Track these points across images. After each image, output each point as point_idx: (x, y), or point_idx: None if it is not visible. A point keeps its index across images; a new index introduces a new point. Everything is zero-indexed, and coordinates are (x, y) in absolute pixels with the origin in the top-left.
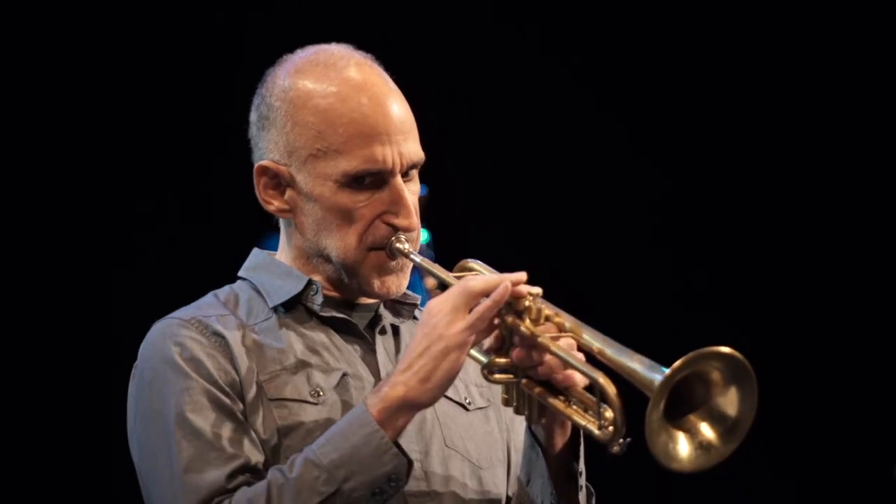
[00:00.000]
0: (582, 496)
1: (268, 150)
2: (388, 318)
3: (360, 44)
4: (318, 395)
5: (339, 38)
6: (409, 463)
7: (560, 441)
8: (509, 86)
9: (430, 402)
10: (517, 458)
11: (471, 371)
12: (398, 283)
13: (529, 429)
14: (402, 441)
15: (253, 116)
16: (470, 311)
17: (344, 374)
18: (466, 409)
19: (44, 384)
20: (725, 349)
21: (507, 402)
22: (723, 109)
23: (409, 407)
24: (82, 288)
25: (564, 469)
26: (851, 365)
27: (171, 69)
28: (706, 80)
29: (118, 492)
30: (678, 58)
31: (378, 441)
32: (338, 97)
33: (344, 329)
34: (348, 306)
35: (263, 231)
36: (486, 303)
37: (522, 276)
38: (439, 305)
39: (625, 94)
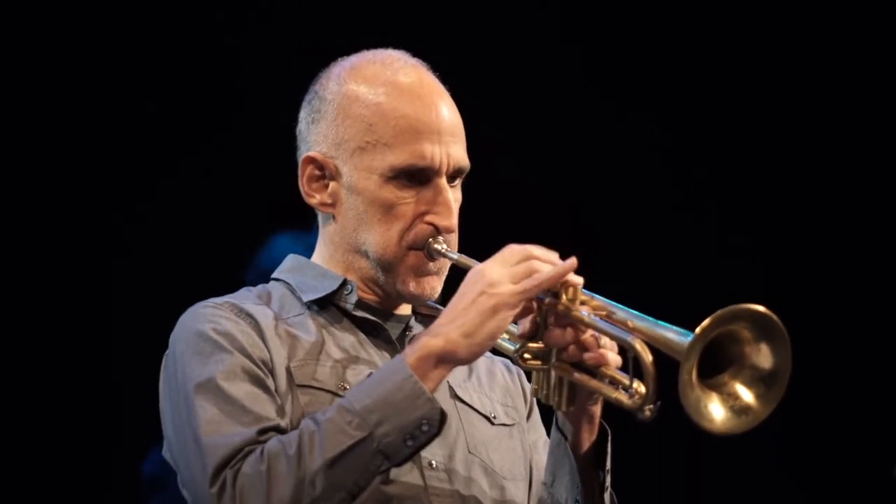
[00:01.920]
0: (607, 497)
1: (315, 142)
2: (417, 329)
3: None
4: (345, 389)
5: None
6: (443, 413)
7: (587, 439)
8: (520, 71)
9: (468, 359)
10: (538, 476)
11: (497, 390)
12: (433, 286)
13: (557, 426)
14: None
15: (303, 112)
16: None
17: (371, 374)
18: (491, 423)
19: (39, 382)
20: (750, 305)
21: (535, 392)
22: (748, 91)
23: (447, 360)
24: (78, 286)
25: (590, 469)
26: (851, 365)
27: (172, 66)
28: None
29: (117, 490)
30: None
31: (412, 386)
32: (392, 93)
33: (374, 333)
34: (381, 315)
35: (266, 233)
36: (547, 272)
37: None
38: (492, 266)
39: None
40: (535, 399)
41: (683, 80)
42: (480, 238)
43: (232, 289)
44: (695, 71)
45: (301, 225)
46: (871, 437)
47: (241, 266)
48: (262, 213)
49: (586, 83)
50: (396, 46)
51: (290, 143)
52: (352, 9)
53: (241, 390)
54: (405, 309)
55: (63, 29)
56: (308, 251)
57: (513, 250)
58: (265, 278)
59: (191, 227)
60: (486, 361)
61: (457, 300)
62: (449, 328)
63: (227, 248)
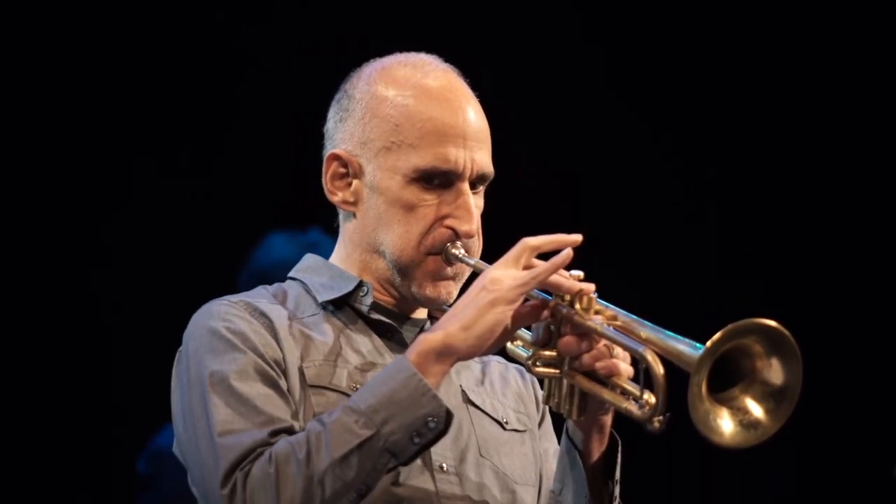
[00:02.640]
0: None
1: (342, 140)
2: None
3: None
4: (356, 391)
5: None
6: (449, 410)
7: (597, 449)
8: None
9: (467, 352)
10: (548, 485)
11: (510, 396)
12: (449, 290)
13: (567, 434)
14: (437, 448)
15: (331, 111)
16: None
17: None
18: (503, 428)
19: (32, 383)
20: (762, 320)
21: (547, 400)
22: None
23: (446, 353)
24: (71, 286)
25: (599, 479)
26: (851, 365)
27: (171, 67)
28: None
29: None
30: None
31: (416, 384)
32: (420, 95)
33: (388, 336)
34: (397, 318)
35: (264, 232)
36: (544, 265)
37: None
38: (497, 265)
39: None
40: (547, 407)
41: (698, 91)
42: (501, 243)
43: (228, 288)
44: (708, 83)
45: (297, 225)
46: (871, 437)
47: (239, 266)
48: (261, 213)
49: (608, 92)
50: (399, 48)
51: (287, 145)
52: (348, 13)
53: (254, 390)
54: (421, 313)
55: (57, 29)
56: (304, 250)
57: (516, 249)
58: (259, 278)
59: (187, 227)
60: (500, 367)
61: (460, 299)
62: (448, 323)
63: (225, 247)
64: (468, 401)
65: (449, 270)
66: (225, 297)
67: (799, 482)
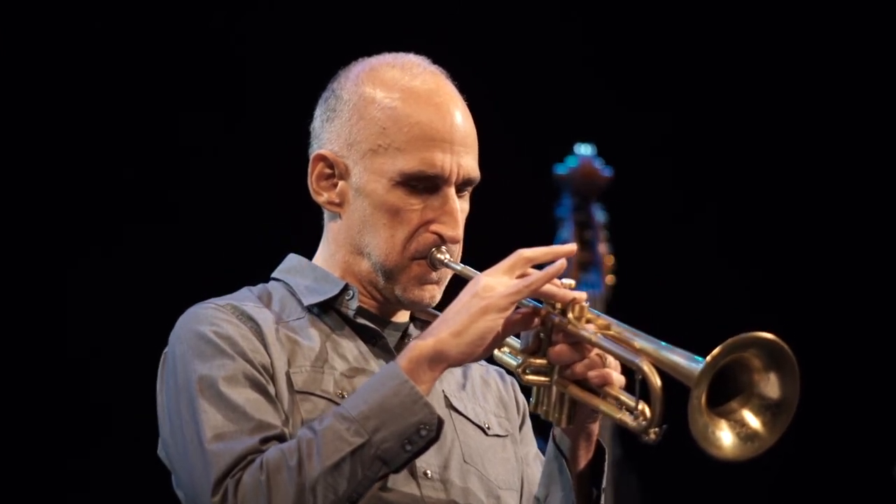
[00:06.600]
0: None
1: (328, 140)
2: (416, 335)
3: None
4: (343, 398)
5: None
6: (440, 417)
7: (584, 457)
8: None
9: (458, 359)
10: (529, 489)
11: (491, 401)
12: (433, 294)
13: (554, 441)
14: (421, 455)
15: (318, 110)
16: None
17: None
18: (485, 434)
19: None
20: (762, 334)
21: (535, 407)
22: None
23: (437, 360)
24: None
25: (585, 487)
26: (851, 365)
27: (145, 75)
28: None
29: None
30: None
31: (408, 391)
32: (408, 98)
33: (373, 341)
34: (380, 322)
35: (249, 229)
36: (538, 274)
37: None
38: (489, 273)
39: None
40: (527, 411)
41: (697, 93)
42: (488, 246)
43: (216, 288)
44: (707, 83)
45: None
46: (871, 437)
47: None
48: (248, 212)
49: (606, 93)
50: (389, 47)
51: (277, 144)
52: (337, 15)
53: (243, 396)
54: (402, 316)
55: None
56: None
57: (511, 259)
58: None
59: (181, 227)
60: (480, 370)
61: (451, 305)
62: (439, 329)
63: (215, 248)
64: (450, 406)
65: (434, 275)
66: (211, 300)
67: (799, 482)
